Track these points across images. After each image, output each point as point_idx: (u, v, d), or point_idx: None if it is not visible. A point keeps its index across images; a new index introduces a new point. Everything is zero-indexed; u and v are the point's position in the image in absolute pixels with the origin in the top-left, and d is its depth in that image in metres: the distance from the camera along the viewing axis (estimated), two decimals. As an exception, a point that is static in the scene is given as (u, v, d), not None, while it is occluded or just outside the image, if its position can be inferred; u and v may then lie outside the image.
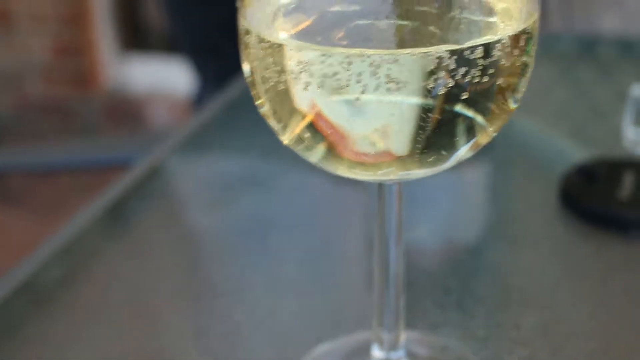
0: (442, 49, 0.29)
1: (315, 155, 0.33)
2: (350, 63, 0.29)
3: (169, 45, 2.59)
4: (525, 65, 0.32)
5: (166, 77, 2.48)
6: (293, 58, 0.30)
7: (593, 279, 0.50)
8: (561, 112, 0.76)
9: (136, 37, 2.65)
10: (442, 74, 0.29)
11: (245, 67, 0.34)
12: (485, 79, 0.30)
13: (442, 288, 0.50)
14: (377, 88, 0.30)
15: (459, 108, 0.31)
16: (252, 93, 0.34)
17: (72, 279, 0.52)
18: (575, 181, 0.58)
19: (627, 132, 0.63)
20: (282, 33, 0.32)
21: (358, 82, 0.29)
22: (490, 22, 0.31)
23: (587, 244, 0.53)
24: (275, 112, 0.32)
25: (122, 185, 0.61)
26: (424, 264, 0.53)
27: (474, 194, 0.62)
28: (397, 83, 0.29)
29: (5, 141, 2.38)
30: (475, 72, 0.30)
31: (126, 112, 2.47)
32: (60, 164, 0.96)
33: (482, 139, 0.33)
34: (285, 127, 0.33)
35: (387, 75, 0.29)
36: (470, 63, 0.29)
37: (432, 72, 0.29)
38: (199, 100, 1.26)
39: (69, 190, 1.87)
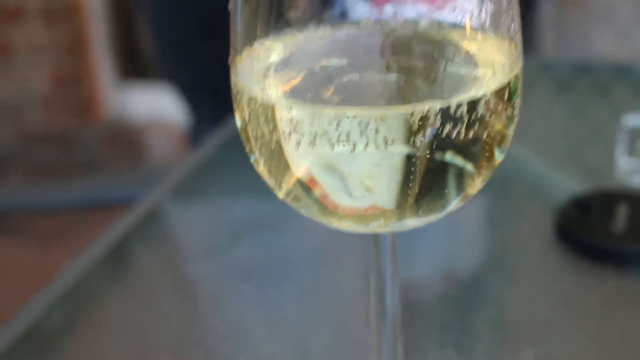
0: (428, 106, 0.30)
1: (309, 210, 0.33)
2: (339, 123, 0.30)
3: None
4: (510, 117, 0.32)
5: (165, 105, 2.49)
6: (283, 117, 0.31)
7: (589, 313, 0.51)
8: (555, 139, 0.77)
9: (135, 65, 2.66)
10: (428, 129, 0.30)
11: (238, 123, 0.34)
12: (471, 132, 0.31)
13: (440, 326, 0.50)
14: (366, 145, 0.30)
15: (446, 159, 0.31)
16: (247, 150, 0.34)
17: (74, 325, 0.53)
18: (570, 214, 0.58)
19: (621, 162, 0.64)
20: (272, 90, 0.33)
21: (347, 139, 0.30)
22: (476, 75, 0.32)
23: (583, 277, 0.54)
24: (269, 169, 0.33)
25: (121, 229, 0.62)
26: (421, 301, 0.53)
27: (469, 227, 0.62)
28: (385, 139, 0.30)
29: (7, 172, 2.39)
30: (461, 126, 0.30)
31: (126, 140, 2.48)
32: (61, 203, 0.97)
33: (471, 188, 0.33)
34: (279, 184, 0.33)
35: (376, 132, 0.30)
36: (455, 119, 0.30)
37: (418, 129, 0.30)
38: (195, 139, 1.24)
39: (70, 223, 1.88)
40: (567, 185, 0.64)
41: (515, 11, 0.33)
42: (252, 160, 0.34)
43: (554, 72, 0.89)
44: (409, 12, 0.34)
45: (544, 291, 0.53)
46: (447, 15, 0.33)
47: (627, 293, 0.52)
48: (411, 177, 0.31)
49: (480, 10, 0.32)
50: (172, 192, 0.68)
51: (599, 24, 2.10)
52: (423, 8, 0.33)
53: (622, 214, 0.57)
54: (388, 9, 0.34)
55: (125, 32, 2.63)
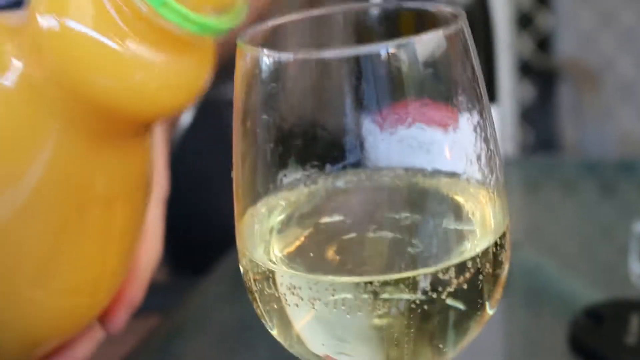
0: (417, 273, 0.31)
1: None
2: (335, 289, 0.32)
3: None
4: (499, 273, 0.34)
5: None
6: (284, 283, 0.33)
7: None
8: (565, 243, 0.78)
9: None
10: (419, 293, 0.32)
11: (245, 283, 0.36)
12: (462, 290, 0.32)
13: None
14: (360, 308, 0.32)
15: (440, 315, 0.33)
16: (257, 312, 0.36)
17: None
18: (583, 324, 0.59)
19: (634, 269, 0.65)
20: (273, 255, 0.35)
21: (343, 304, 0.32)
22: (466, 234, 0.34)
23: (598, 391, 0.54)
24: (278, 331, 0.35)
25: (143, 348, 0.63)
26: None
27: (479, 338, 0.63)
28: (381, 303, 0.32)
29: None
30: (451, 288, 0.32)
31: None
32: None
33: (467, 338, 0.35)
34: (286, 340, 0.35)
35: (373, 296, 0.32)
36: (444, 282, 0.32)
37: (410, 291, 0.32)
38: None
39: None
40: (580, 292, 0.65)
41: (501, 169, 0.34)
42: (261, 318, 0.36)
43: (561, 171, 0.90)
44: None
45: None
46: (440, 161, 0.35)
47: (642, 408, 0.52)
48: (405, 334, 0.33)
49: (473, 164, 0.34)
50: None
51: (619, 102, 2.12)
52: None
53: (635, 324, 0.58)
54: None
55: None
